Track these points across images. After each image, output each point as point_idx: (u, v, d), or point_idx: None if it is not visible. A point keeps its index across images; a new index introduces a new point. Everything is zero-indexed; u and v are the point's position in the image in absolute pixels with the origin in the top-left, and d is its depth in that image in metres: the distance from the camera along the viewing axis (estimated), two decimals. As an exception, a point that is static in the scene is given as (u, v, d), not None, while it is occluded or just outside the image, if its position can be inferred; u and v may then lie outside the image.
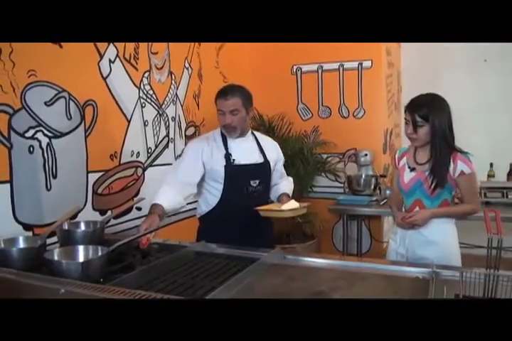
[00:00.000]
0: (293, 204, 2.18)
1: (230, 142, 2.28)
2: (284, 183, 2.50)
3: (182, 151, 3.13)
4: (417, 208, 2.07)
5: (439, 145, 1.97)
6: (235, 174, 2.24)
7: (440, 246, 2.03)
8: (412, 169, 2.07)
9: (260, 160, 2.33)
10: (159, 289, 1.42)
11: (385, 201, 3.46)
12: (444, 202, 2.04)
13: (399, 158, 2.18)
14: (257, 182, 2.28)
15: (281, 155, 2.52)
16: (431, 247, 2.03)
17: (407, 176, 2.09)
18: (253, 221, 2.21)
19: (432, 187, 1.99)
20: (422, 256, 2.03)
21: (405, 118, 2.01)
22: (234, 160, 2.24)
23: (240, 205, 2.21)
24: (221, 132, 2.29)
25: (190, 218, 3.02)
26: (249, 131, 2.38)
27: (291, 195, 2.44)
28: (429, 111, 1.93)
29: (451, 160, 1.97)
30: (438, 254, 1.99)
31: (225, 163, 2.22)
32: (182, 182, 2.19)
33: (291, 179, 2.61)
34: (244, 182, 2.26)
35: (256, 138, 2.39)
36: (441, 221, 2.05)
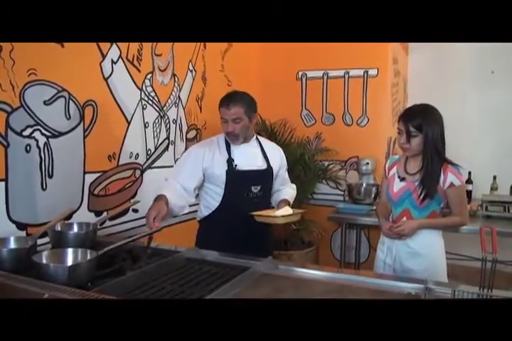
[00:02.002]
0: (286, 210, 2.17)
1: (234, 147, 2.28)
2: (286, 190, 2.49)
3: (182, 154, 3.13)
4: (404, 218, 2.07)
5: (431, 155, 1.98)
6: (236, 179, 2.24)
7: (426, 259, 2.03)
8: (402, 179, 2.08)
9: (263, 166, 2.33)
10: (146, 296, 1.40)
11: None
12: (432, 213, 2.04)
13: (389, 168, 2.19)
14: (258, 188, 2.28)
15: (285, 161, 2.51)
16: (417, 259, 2.04)
17: (397, 186, 2.09)
18: (252, 226, 2.19)
19: (421, 197, 1.99)
20: (409, 267, 2.04)
21: (398, 128, 2.01)
22: (236, 165, 2.23)
23: (239, 210, 2.20)
24: (225, 137, 2.30)
25: (190, 220, 3.01)
26: (254, 137, 2.38)
27: (291, 202, 2.43)
28: (423, 122, 1.94)
29: (442, 172, 1.97)
30: (424, 266, 2.01)
31: (226, 168, 2.22)
32: (181, 187, 2.19)
33: (294, 186, 2.60)
34: (245, 188, 2.25)
35: (260, 143, 2.39)
36: (428, 233, 2.04)
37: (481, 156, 4.06)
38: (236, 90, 2.32)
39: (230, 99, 2.20)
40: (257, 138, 2.40)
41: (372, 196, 3.61)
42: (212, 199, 2.29)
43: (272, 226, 2.36)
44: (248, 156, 2.29)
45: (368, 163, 3.68)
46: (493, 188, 3.92)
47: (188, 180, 2.22)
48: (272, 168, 2.34)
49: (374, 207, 3.50)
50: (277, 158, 2.42)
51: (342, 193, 3.95)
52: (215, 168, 2.23)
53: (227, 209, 2.26)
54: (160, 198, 2.01)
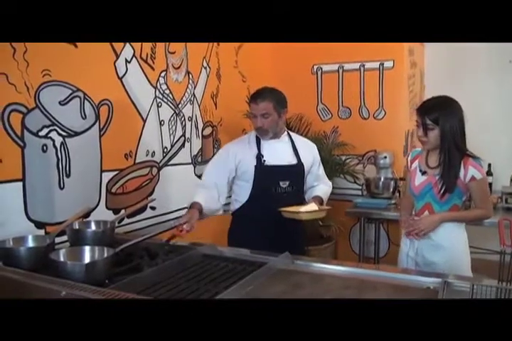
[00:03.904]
0: (311, 206, 2.18)
1: (264, 143, 2.32)
2: (319, 186, 2.49)
3: (198, 151, 3.15)
4: (426, 212, 2.05)
5: (449, 149, 1.94)
6: (265, 174, 2.27)
7: (449, 251, 2.00)
8: (424, 172, 2.05)
9: (293, 161, 2.34)
10: (161, 293, 1.41)
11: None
12: (453, 206, 2.01)
13: (411, 161, 2.16)
14: (287, 183, 2.29)
15: (319, 157, 2.51)
16: (439, 252, 2.01)
17: (418, 179, 2.07)
18: (282, 221, 2.19)
19: (442, 191, 1.96)
20: (431, 260, 2.02)
21: (416, 121, 1.98)
22: (265, 160, 2.27)
23: (267, 205, 2.22)
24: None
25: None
26: (285, 133, 2.39)
27: (325, 198, 2.44)
28: (440, 115, 1.90)
29: (462, 166, 1.93)
30: (446, 259, 1.98)
31: (255, 163, 2.26)
32: (213, 183, 2.27)
33: (330, 183, 2.60)
34: (273, 183, 2.28)
35: (292, 139, 2.40)
36: (451, 226, 2.01)
37: (500, 147, 3.98)
38: (266, 86, 2.33)
39: (259, 94, 2.24)
40: (288, 134, 2.41)
41: (391, 190, 3.57)
42: (243, 193, 2.33)
43: (303, 222, 2.36)
44: (278, 152, 2.31)
45: (385, 157, 3.63)
46: (513, 179, 3.84)
47: (221, 178, 2.29)
48: (302, 164, 2.35)
49: (393, 201, 3.48)
50: (309, 154, 2.42)
51: (360, 187, 3.92)
52: (246, 163, 2.28)
53: (256, 203, 2.29)
54: (193, 206, 2.10)
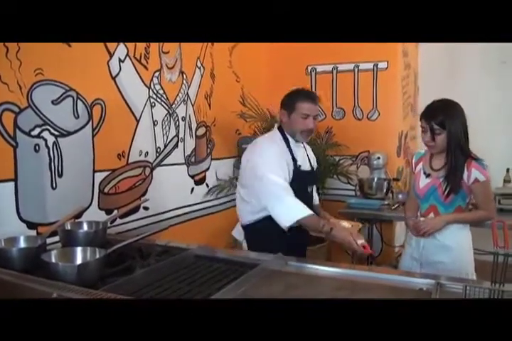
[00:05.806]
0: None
1: (293, 146, 2.23)
2: (315, 193, 2.49)
3: (192, 151, 3.13)
4: (431, 214, 2.08)
5: (455, 151, 1.97)
6: (300, 178, 2.20)
7: (454, 252, 2.04)
8: (428, 175, 2.07)
9: (313, 166, 2.36)
10: (153, 295, 1.40)
11: (397, 205, 3.39)
12: (458, 208, 2.04)
13: (415, 163, 2.20)
14: (311, 188, 2.31)
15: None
16: (445, 252, 2.05)
17: (423, 182, 2.10)
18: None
19: (446, 193, 1.99)
20: (436, 260, 2.05)
21: (422, 126, 2.00)
22: (300, 165, 2.22)
23: None
24: (283, 136, 2.22)
25: (199, 218, 3.01)
26: None
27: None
28: (445, 118, 1.94)
29: (466, 168, 1.96)
30: (452, 259, 2.03)
31: (293, 168, 2.17)
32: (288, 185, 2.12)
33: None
34: (304, 188, 2.25)
35: (303, 145, 2.38)
36: (456, 226, 2.06)
37: (494, 148, 3.98)
38: (305, 88, 2.32)
39: (313, 94, 2.20)
40: None
41: (384, 191, 3.56)
42: None
43: None
44: (303, 157, 2.30)
45: (379, 158, 3.63)
46: (506, 181, 3.85)
47: (287, 176, 2.14)
48: (316, 169, 2.38)
49: (386, 202, 3.47)
50: (315, 160, 2.45)
51: (353, 188, 3.91)
52: (287, 166, 2.16)
53: None
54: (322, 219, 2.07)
